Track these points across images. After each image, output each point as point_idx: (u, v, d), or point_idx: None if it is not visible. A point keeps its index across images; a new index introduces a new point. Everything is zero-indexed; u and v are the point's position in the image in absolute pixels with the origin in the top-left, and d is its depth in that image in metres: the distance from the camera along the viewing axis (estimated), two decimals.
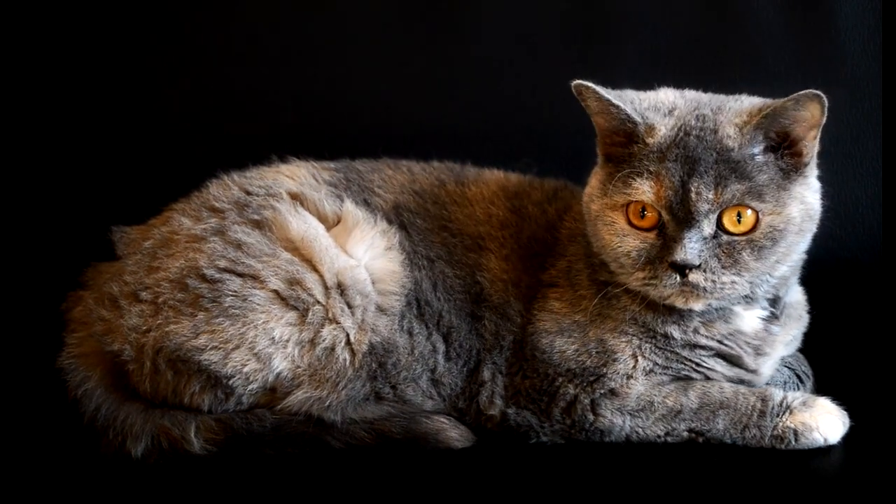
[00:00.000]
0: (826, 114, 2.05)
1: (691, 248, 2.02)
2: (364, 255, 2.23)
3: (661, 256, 2.05)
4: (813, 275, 2.35)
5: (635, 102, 2.14)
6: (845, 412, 2.14)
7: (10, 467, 2.16)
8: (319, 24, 3.10)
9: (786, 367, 2.30)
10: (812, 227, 2.12)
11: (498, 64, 3.07)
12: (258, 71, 3.12)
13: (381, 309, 2.21)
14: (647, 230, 2.08)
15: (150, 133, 3.11)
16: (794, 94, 2.01)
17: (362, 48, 3.09)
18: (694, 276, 2.03)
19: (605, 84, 2.14)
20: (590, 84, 2.08)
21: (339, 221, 2.27)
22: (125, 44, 3.11)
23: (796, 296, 2.30)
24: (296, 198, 2.28)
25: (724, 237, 2.04)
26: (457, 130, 3.03)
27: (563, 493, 2.02)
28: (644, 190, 2.06)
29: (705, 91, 2.23)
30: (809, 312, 2.34)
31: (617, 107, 2.09)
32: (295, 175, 2.35)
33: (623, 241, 2.10)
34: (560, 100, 2.24)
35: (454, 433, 2.20)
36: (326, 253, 2.18)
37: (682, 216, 2.03)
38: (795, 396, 2.14)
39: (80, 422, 2.19)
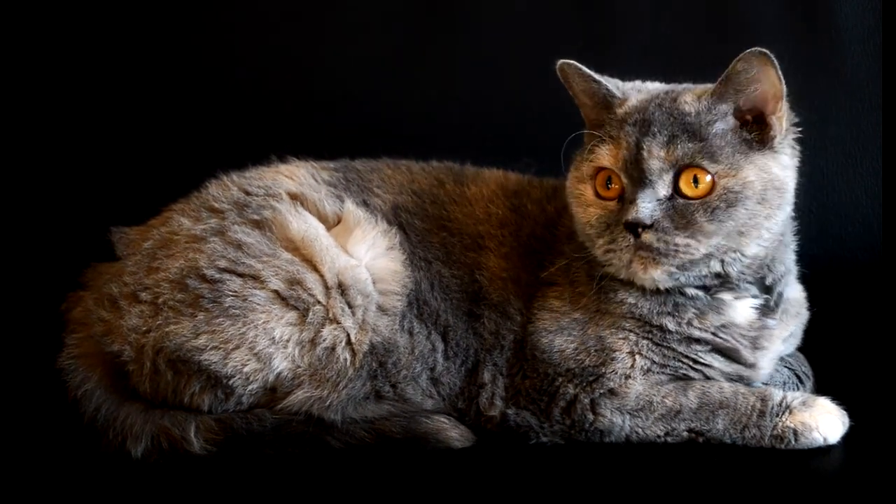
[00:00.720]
0: (782, 80, 2.08)
1: (644, 206, 2.05)
2: (365, 255, 2.23)
3: (618, 219, 2.09)
4: (813, 275, 2.35)
5: (618, 83, 2.21)
6: (845, 412, 2.13)
7: (11, 467, 2.16)
8: (319, 24, 3.11)
9: (785, 367, 2.30)
10: (781, 202, 2.11)
11: (498, 64, 3.07)
12: (258, 71, 3.13)
13: (382, 309, 2.21)
14: (611, 199, 2.12)
15: (150, 133, 3.12)
16: (745, 53, 2.05)
17: (362, 48, 3.11)
18: (646, 236, 2.05)
19: None
20: (573, 62, 2.16)
21: (339, 221, 2.27)
22: (125, 44, 3.12)
23: (795, 293, 2.30)
24: (295, 198, 2.28)
25: (680, 200, 2.06)
26: (457, 130, 3.04)
27: (563, 494, 2.01)
28: (603, 155, 2.11)
29: None
30: (809, 310, 2.34)
31: (598, 82, 2.17)
32: (294, 175, 2.35)
33: (587, 210, 2.15)
34: (560, 99, 2.25)
35: (454, 433, 2.20)
36: (327, 253, 2.18)
37: (636, 176, 2.06)
38: (795, 396, 2.14)
39: (80, 422, 2.19)
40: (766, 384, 2.24)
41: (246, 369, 2.12)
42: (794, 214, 2.24)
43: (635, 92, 2.19)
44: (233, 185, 2.32)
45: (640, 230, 2.05)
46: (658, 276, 2.10)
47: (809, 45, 2.96)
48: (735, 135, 2.08)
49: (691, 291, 2.15)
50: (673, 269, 2.09)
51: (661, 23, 3.01)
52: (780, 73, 2.07)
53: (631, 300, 2.16)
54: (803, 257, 2.31)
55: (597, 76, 2.18)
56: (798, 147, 2.18)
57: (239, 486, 2.06)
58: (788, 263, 2.24)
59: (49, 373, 2.24)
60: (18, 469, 2.15)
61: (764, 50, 2.04)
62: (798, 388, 2.27)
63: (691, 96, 2.11)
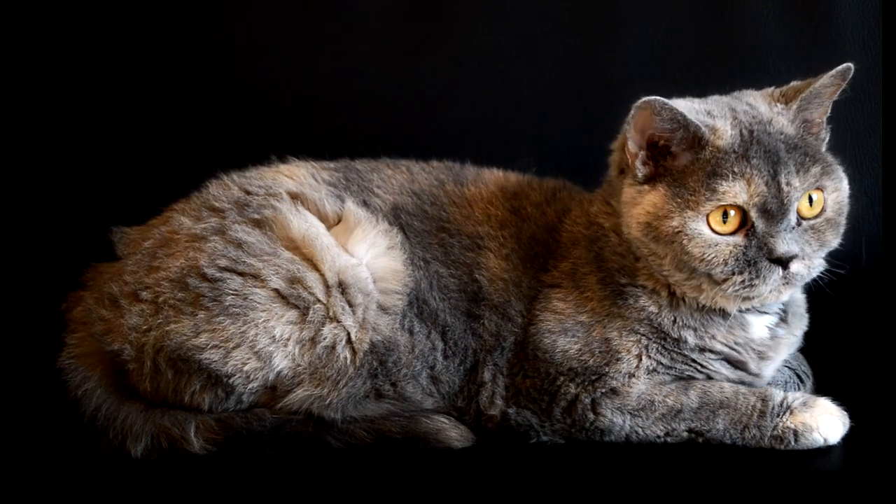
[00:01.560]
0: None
1: (790, 238, 2.04)
2: (366, 254, 2.23)
3: (761, 255, 2.04)
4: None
5: (691, 114, 2.08)
6: (845, 412, 2.13)
7: (11, 467, 2.16)
8: (319, 24, 3.10)
9: (786, 367, 2.30)
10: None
11: (498, 64, 3.07)
12: (258, 71, 3.13)
13: (382, 308, 2.21)
14: (733, 234, 2.06)
15: (150, 133, 3.12)
16: (828, 73, 2.11)
17: (362, 48, 3.10)
18: (795, 266, 2.05)
19: (605, 84, 2.15)
20: (662, 99, 2.03)
21: (339, 221, 2.27)
22: (125, 44, 3.12)
23: (797, 294, 2.29)
24: (296, 197, 2.27)
25: (804, 223, 2.07)
26: (457, 130, 3.04)
27: (563, 494, 2.01)
28: (736, 192, 2.03)
29: (705, 92, 2.23)
30: (808, 311, 2.33)
31: (683, 116, 2.04)
32: (294, 175, 2.35)
33: (716, 250, 2.06)
34: (560, 99, 2.25)
35: (454, 433, 2.20)
36: (327, 251, 2.18)
37: (774, 209, 2.03)
38: (796, 397, 2.14)
39: (80, 422, 2.19)
40: (768, 384, 2.23)
41: (246, 368, 2.12)
42: None
43: (708, 118, 2.09)
44: (233, 185, 2.31)
45: (788, 262, 2.05)
46: (785, 298, 2.15)
47: (809, 45, 2.96)
48: (816, 144, 2.13)
49: (727, 307, 2.15)
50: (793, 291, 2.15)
51: (661, 22, 3.01)
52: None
53: (653, 309, 2.16)
54: None
55: (689, 115, 2.05)
56: None
57: (239, 486, 2.06)
58: None
59: (49, 372, 2.24)
60: (18, 469, 2.15)
61: (849, 66, 2.12)
62: (799, 389, 2.28)
63: (782, 117, 2.11)
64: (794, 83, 2.17)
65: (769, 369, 2.22)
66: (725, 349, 2.17)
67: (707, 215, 2.05)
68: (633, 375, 2.16)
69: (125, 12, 3.11)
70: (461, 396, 2.24)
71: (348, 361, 2.16)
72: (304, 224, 2.20)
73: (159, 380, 2.16)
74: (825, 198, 2.08)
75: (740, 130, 2.07)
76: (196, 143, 3.09)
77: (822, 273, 2.13)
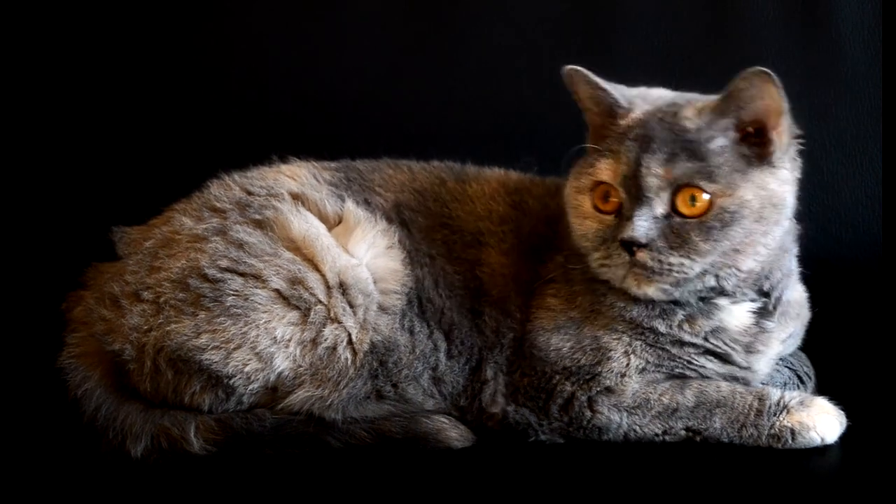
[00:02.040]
0: (784, 97, 2.05)
1: (640, 225, 2.03)
2: (365, 255, 2.23)
3: (614, 235, 2.07)
4: (813, 275, 2.35)
5: (625, 91, 2.18)
6: (842, 412, 2.14)
7: (11, 467, 2.16)
8: (319, 24, 3.10)
9: (787, 367, 2.30)
10: (779, 218, 2.09)
11: (498, 64, 3.07)
12: (259, 70, 3.13)
13: (382, 308, 2.21)
14: (609, 213, 2.10)
15: (151, 133, 3.12)
16: (746, 73, 2.04)
17: (362, 48, 3.10)
18: (641, 255, 2.04)
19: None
20: (580, 68, 2.14)
21: (340, 221, 2.27)
22: (125, 44, 3.12)
23: (796, 294, 2.29)
24: (297, 198, 2.28)
25: (677, 219, 2.04)
26: (457, 130, 3.03)
27: (562, 494, 2.01)
28: (603, 169, 2.10)
29: (705, 92, 2.22)
30: (812, 310, 2.34)
31: (604, 90, 2.14)
32: (296, 175, 2.35)
33: (584, 223, 2.13)
34: (560, 100, 2.25)
35: (454, 433, 2.20)
36: (328, 252, 2.18)
37: (634, 193, 2.05)
38: (793, 396, 2.14)
39: (79, 421, 2.19)
40: (766, 384, 2.23)
41: (247, 369, 2.12)
42: (795, 218, 2.24)
43: (640, 101, 2.16)
44: (234, 185, 2.32)
45: (635, 248, 2.04)
46: (651, 292, 2.10)
47: (809, 45, 2.95)
48: (734, 151, 2.06)
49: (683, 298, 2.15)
50: (666, 287, 2.09)
51: (661, 22, 3.01)
52: (781, 91, 2.04)
53: (620, 304, 2.16)
54: (804, 258, 2.31)
55: (604, 83, 2.15)
56: (799, 159, 2.16)
57: (239, 486, 2.06)
58: (788, 268, 2.22)
59: (49, 372, 2.23)
60: (18, 469, 2.15)
61: (766, 70, 2.02)
62: (799, 389, 2.27)
63: (693, 111, 2.09)
64: None
65: (761, 363, 2.22)
66: (699, 341, 2.16)
67: (593, 191, 2.12)
68: (625, 375, 2.16)
69: (126, 12, 3.11)
70: (464, 396, 2.24)
71: (349, 362, 2.16)
72: (304, 225, 2.20)
73: (159, 380, 2.16)
74: (715, 203, 2.03)
75: (647, 116, 2.10)
76: (197, 142, 3.09)
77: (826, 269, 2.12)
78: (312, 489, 2.06)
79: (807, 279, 2.34)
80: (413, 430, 2.20)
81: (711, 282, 2.10)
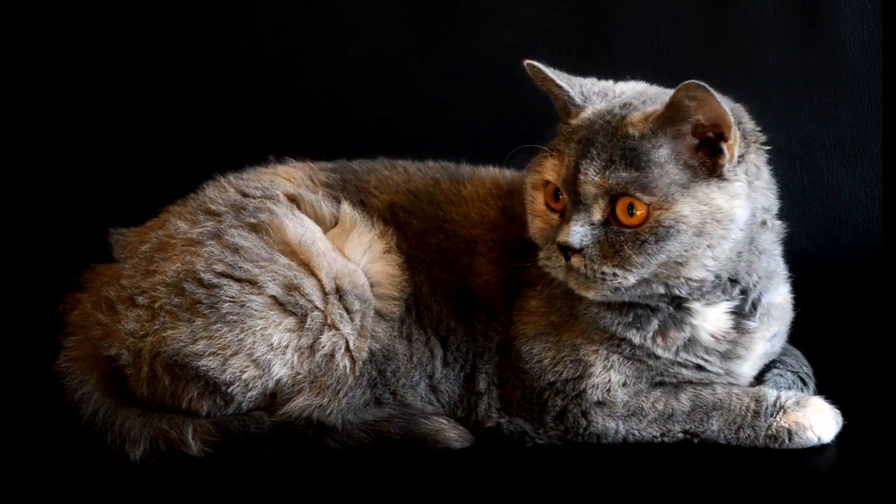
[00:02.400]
0: (727, 109, 1.97)
1: (574, 230, 2.01)
2: (362, 259, 2.22)
3: (553, 237, 2.06)
4: (813, 275, 2.35)
5: (585, 86, 2.15)
6: (838, 411, 2.14)
7: (9, 470, 2.15)
8: (318, 24, 3.10)
9: (788, 370, 2.29)
10: (725, 233, 2.02)
11: (498, 64, 3.07)
12: (255, 71, 3.13)
13: (380, 314, 2.20)
14: (557, 212, 2.09)
15: (148, 134, 3.12)
16: (686, 83, 1.96)
17: (361, 48, 3.10)
18: (575, 261, 2.03)
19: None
20: (537, 63, 2.13)
21: (336, 223, 2.27)
22: (125, 44, 3.12)
23: (779, 298, 2.25)
24: (293, 200, 2.27)
25: (614, 227, 2.01)
26: (456, 130, 3.03)
27: (562, 494, 2.01)
28: (548, 168, 2.09)
29: None
30: (799, 310, 2.31)
31: (559, 87, 2.13)
32: (292, 177, 2.35)
33: (534, 220, 2.13)
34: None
35: (453, 433, 2.20)
36: (324, 257, 2.17)
37: (573, 197, 2.03)
38: (789, 396, 2.14)
39: (77, 425, 2.18)
40: (766, 387, 2.22)
41: (245, 376, 2.11)
42: (795, 218, 2.23)
43: (598, 99, 2.12)
44: (230, 187, 2.31)
45: (570, 254, 2.03)
46: (592, 295, 2.08)
47: (809, 45, 2.95)
48: (680, 161, 2.01)
49: (653, 303, 2.12)
50: (605, 293, 2.07)
51: (661, 22, 3.00)
52: (722, 104, 1.96)
53: (594, 309, 2.15)
54: (804, 257, 2.30)
55: (560, 80, 2.13)
56: (764, 169, 2.11)
57: (237, 489, 2.06)
58: (768, 270, 2.17)
59: (47, 375, 2.23)
60: (16, 472, 2.15)
61: (700, 83, 1.94)
62: (803, 391, 2.27)
63: (640, 117, 2.04)
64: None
65: (745, 367, 2.20)
66: (670, 355, 2.14)
67: (545, 188, 2.10)
68: (610, 390, 2.15)
69: (124, 13, 3.11)
70: (461, 407, 2.24)
71: (348, 370, 2.15)
72: (300, 228, 2.19)
73: (156, 385, 2.15)
74: (651, 215, 1.99)
75: (596, 116, 2.07)
76: (193, 143, 3.09)
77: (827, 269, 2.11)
78: (312, 490, 2.06)
79: (807, 279, 2.33)
80: (412, 432, 2.19)
81: (660, 289, 2.07)
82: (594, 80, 2.20)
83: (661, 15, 3.02)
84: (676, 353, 2.14)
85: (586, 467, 2.11)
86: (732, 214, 2.02)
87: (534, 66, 2.13)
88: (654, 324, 2.13)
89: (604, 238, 2.02)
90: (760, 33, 2.97)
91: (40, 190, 3.11)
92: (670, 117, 2.00)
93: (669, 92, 2.04)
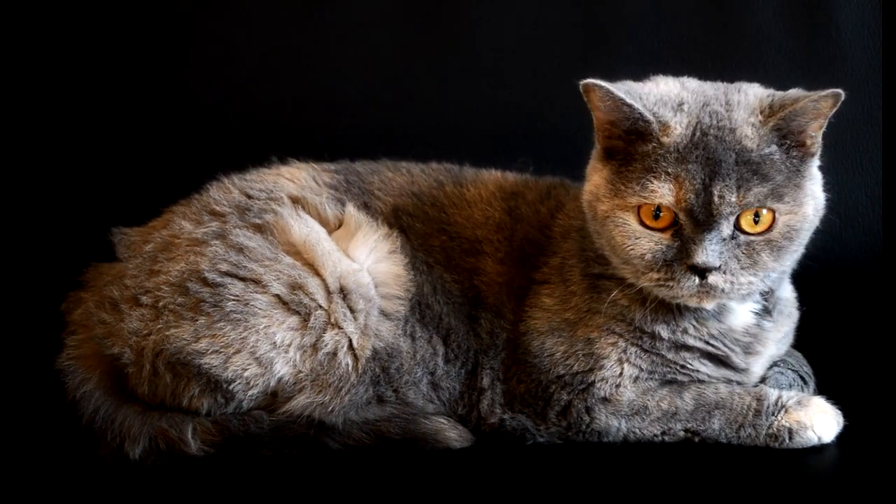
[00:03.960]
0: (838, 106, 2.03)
1: (712, 249, 1.99)
2: (367, 259, 2.23)
3: (680, 258, 2.02)
4: (813, 275, 2.35)
5: (643, 98, 2.07)
6: (839, 411, 2.14)
7: (9, 468, 2.16)
8: (319, 25, 3.10)
9: (789, 369, 2.29)
10: (817, 221, 2.11)
11: (497, 64, 3.07)
12: (257, 71, 3.13)
13: (384, 313, 2.21)
14: (662, 230, 2.04)
15: (151, 133, 3.12)
16: (815, 94, 1.99)
17: (362, 48, 3.10)
18: (713, 278, 2.01)
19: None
20: (601, 82, 2.02)
21: (340, 225, 2.27)
22: (125, 44, 3.12)
23: (787, 293, 2.28)
24: (297, 201, 2.27)
25: (742, 237, 2.01)
26: (456, 130, 3.03)
27: (561, 494, 2.02)
28: (663, 193, 2.01)
29: None
30: (801, 309, 2.32)
31: (630, 106, 2.03)
32: (295, 178, 2.35)
33: (637, 243, 2.05)
34: (560, 100, 2.25)
35: (453, 433, 2.20)
36: (328, 257, 2.18)
37: (702, 219, 1.99)
38: (790, 395, 2.14)
39: (78, 423, 2.19)
40: (766, 385, 2.22)
41: (247, 374, 2.11)
42: None
43: (666, 110, 2.06)
44: (234, 188, 2.31)
45: (706, 273, 2.01)
46: (711, 305, 2.10)
47: (809, 45, 2.95)
48: (787, 162, 2.03)
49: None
50: (729, 301, 2.10)
51: (660, 22, 3.01)
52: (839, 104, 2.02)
53: (624, 302, 2.15)
54: (804, 257, 2.30)
55: (627, 98, 2.02)
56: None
57: (236, 488, 2.06)
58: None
59: (48, 373, 2.23)
60: (17, 470, 2.15)
61: (838, 91, 1.99)
62: (803, 390, 2.27)
63: (751, 129, 2.02)
64: (791, 92, 2.09)
65: (757, 365, 2.22)
66: (700, 343, 2.15)
67: (638, 207, 2.04)
68: (619, 385, 2.16)
69: (125, 13, 3.11)
70: (461, 403, 2.25)
71: (350, 368, 2.15)
72: (304, 229, 2.20)
73: (157, 383, 2.16)
74: (777, 218, 2.01)
75: (693, 130, 2.03)
76: (196, 143, 3.09)
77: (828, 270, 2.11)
78: (311, 490, 2.06)
79: (807, 279, 2.33)
80: (412, 431, 2.20)
81: (764, 288, 2.11)
82: (629, 83, 2.14)
83: (661, 15, 3.02)
84: (706, 341, 2.15)
85: (586, 467, 2.11)
86: (823, 201, 2.11)
87: (599, 86, 2.03)
88: (691, 320, 2.15)
89: (738, 251, 2.02)
90: (760, 33, 2.97)
91: (43, 189, 3.11)
92: (785, 126, 2.01)
93: (720, 88, 2.10)
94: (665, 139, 2.03)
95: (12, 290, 2.97)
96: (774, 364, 2.28)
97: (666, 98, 2.09)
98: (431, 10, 3.08)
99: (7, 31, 3.08)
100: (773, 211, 2.00)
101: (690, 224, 2.00)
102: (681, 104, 2.08)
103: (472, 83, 3.07)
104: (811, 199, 2.06)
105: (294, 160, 2.45)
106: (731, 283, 2.01)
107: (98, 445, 2.17)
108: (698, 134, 2.02)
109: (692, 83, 2.16)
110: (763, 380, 2.24)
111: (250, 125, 3.09)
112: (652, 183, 2.02)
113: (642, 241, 2.05)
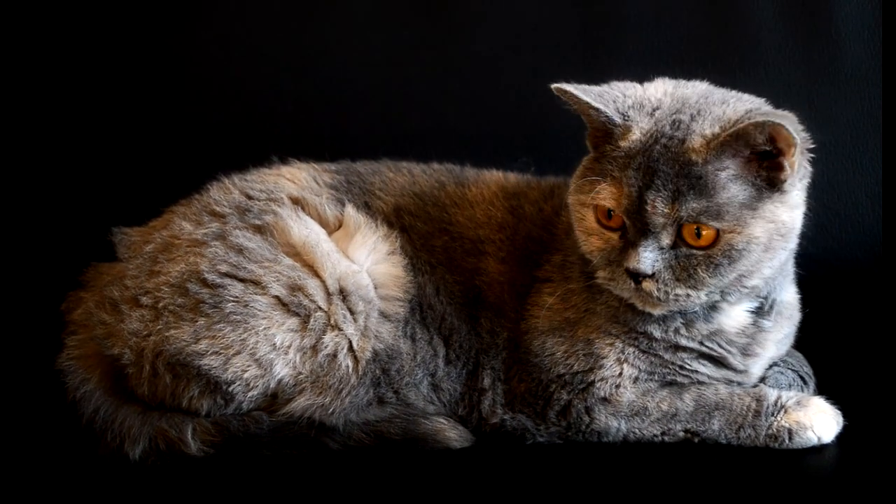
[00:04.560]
0: (798, 135, 1.97)
1: (645, 257, 2.00)
2: (366, 260, 2.23)
3: (619, 261, 2.05)
4: (813, 275, 2.35)
5: (619, 100, 2.09)
6: (839, 411, 2.14)
7: (9, 468, 2.16)
8: (319, 25, 3.10)
9: (789, 369, 2.29)
10: (786, 245, 2.06)
11: (498, 64, 3.07)
12: (258, 70, 3.13)
13: (384, 315, 2.21)
14: (614, 230, 2.07)
15: (151, 133, 3.12)
16: (758, 119, 1.95)
17: (362, 48, 3.10)
18: (647, 285, 2.02)
19: (605, 84, 2.14)
20: (567, 87, 2.06)
21: (340, 225, 2.27)
22: (125, 44, 3.12)
23: (789, 296, 2.27)
24: (297, 202, 2.27)
25: (684, 249, 2.01)
26: (456, 130, 3.03)
27: (561, 494, 2.02)
28: (605, 196, 2.04)
29: None
30: (802, 311, 2.32)
31: (597, 109, 2.06)
32: (296, 178, 2.35)
33: (589, 239, 2.10)
34: (560, 100, 2.24)
35: (453, 433, 2.20)
36: (328, 258, 2.18)
37: (639, 226, 2.01)
38: (790, 396, 2.14)
39: (78, 423, 2.19)
40: (766, 385, 2.22)
41: (246, 375, 2.11)
42: None
43: (637, 114, 2.07)
44: (234, 189, 2.31)
45: (640, 278, 2.02)
46: (657, 311, 2.09)
47: (809, 45, 2.95)
48: (745, 181, 2.00)
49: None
50: (672, 310, 2.09)
51: (660, 22, 3.01)
52: (792, 132, 1.95)
53: (615, 303, 2.15)
54: (803, 257, 2.30)
55: (595, 102, 2.06)
56: (810, 168, 2.10)
57: (236, 488, 2.06)
58: (784, 269, 2.19)
59: (48, 373, 2.23)
60: (16, 470, 2.15)
61: (780, 123, 1.93)
62: (803, 390, 2.27)
63: (701, 143, 1.99)
64: (755, 112, 2.04)
65: (756, 367, 2.21)
66: (694, 345, 2.15)
67: (595, 205, 2.07)
68: (619, 385, 2.16)
69: (125, 12, 3.11)
70: (462, 404, 2.25)
71: (350, 370, 2.15)
72: (304, 230, 2.20)
73: (157, 384, 2.16)
74: (721, 236, 1.98)
75: (649, 137, 2.03)
76: (197, 143, 3.09)
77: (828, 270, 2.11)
78: (311, 490, 2.06)
79: (807, 279, 2.33)
80: (412, 432, 2.20)
81: (716, 298, 2.09)
82: (616, 84, 2.15)
83: (660, 14, 3.02)
84: (701, 342, 2.15)
85: (586, 467, 2.11)
86: (794, 225, 2.06)
87: (565, 91, 2.07)
88: (679, 320, 2.14)
89: (675, 262, 2.02)
90: (760, 33, 2.97)
91: (43, 188, 3.11)
92: (734, 144, 1.98)
93: (712, 98, 2.08)
94: (622, 143, 2.05)
95: (12, 290, 2.97)
96: (774, 364, 2.28)
97: (644, 102, 2.10)
98: (431, 10, 3.08)
99: (7, 31, 3.09)
100: (716, 229, 1.99)
101: (633, 229, 2.02)
102: (655, 109, 2.08)
103: (473, 83, 3.07)
104: (764, 223, 2.00)
105: (295, 160, 2.45)
106: (665, 292, 2.03)
107: (98, 445, 2.17)
108: (651, 141, 2.02)
109: (684, 88, 2.15)
110: (763, 380, 2.24)
111: (251, 125, 3.09)
112: (601, 184, 2.05)
113: (593, 239, 2.09)
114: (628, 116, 2.06)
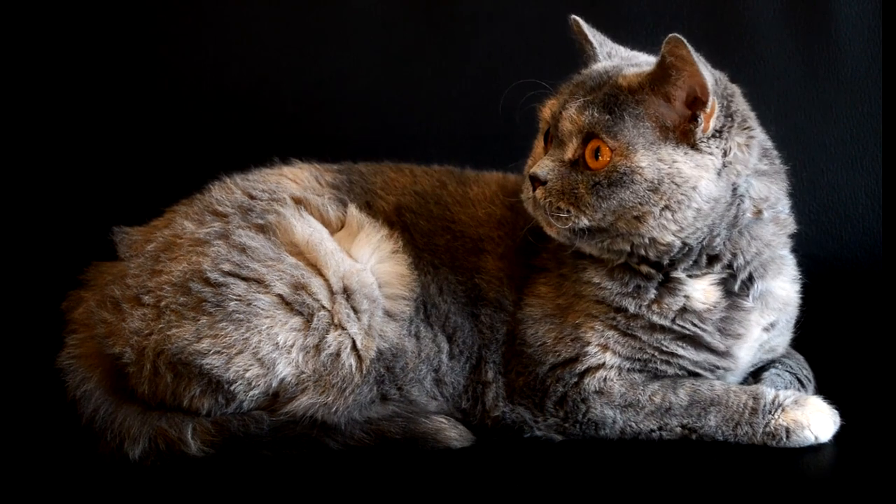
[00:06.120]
0: (702, 72, 1.99)
1: (545, 164, 2.11)
2: (370, 259, 2.23)
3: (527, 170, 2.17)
4: (813, 275, 2.35)
5: (614, 50, 2.31)
6: (836, 411, 2.14)
7: (9, 467, 2.16)
8: (320, 25, 3.11)
9: (787, 371, 2.30)
10: (683, 199, 2.05)
11: (498, 65, 3.08)
12: (259, 71, 3.13)
13: (389, 314, 2.21)
14: (545, 145, 2.20)
15: (151, 133, 3.12)
16: (675, 49, 2.01)
17: (363, 49, 3.11)
18: (537, 192, 2.11)
19: None
20: (580, 20, 2.30)
21: (342, 225, 2.28)
22: (126, 44, 3.12)
23: (779, 289, 2.24)
24: (299, 202, 2.28)
25: (580, 170, 2.08)
26: (456, 132, 3.04)
27: (561, 493, 2.02)
28: (548, 105, 2.21)
29: None
30: (801, 309, 2.31)
31: (591, 44, 2.28)
32: (298, 178, 2.35)
33: (528, 161, 2.24)
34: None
35: (453, 433, 2.20)
36: (331, 257, 2.18)
37: (555, 134, 2.13)
38: (787, 395, 2.14)
39: (78, 423, 2.19)
40: (764, 385, 2.23)
41: (248, 374, 2.11)
42: (794, 218, 2.24)
43: (618, 59, 2.26)
44: (236, 189, 2.31)
45: (536, 184, 2.11)
46: (555, 233, 2.14)
47: (809, 45, 2.96)
48: (656, 121, 2.05)
49: (644, 269, 2.15)
50: (566, 233, 2.11)
51: (660, 22, 3.01)
52: (701, 67, 2.00)
53: (596, 280, 2.18)
54: (803, 257, 2.31)
55: (594, 39, 2.28)
56: (749, 154, 2.11)
57: (236, 488, 2.06)
58: (762, 257, 2.18)
59: (48, 372, 2.23)
60: (16, 469, 2.16)
61: (681, 38, 1.98)
62: (800, 392, 2.26)
63: (634, 71, 2.12)
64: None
65: (742, 350, 2.21)
66: (666, 323, 2.16)
67: (544, 132, 2.21)
68: (606, 378, 2.17)
69: (127, 13, 3.12)
70: (465, 397, 2.25)
71: (354, 369, 2.15)
72: (307, 229, 2.20)
73: (157, 382, 2.16)
74: (611, 160, 2.05)
75: (601, 69, 2.19)
76: (198, 143, 3.10)
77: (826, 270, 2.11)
78: (311, 490, 2.06)
79: (807, 279, 2.33)
80: (412, 431, 2.20)
81: (625, 246, 2.12)
82: (631, 51, 2.32)
83: (660, 14, 3.02)
84: (673, 320, 2.16)
85: (586, 467, 2.12)
86: (695, 184, 2.06)
87: (577, 22, 2.29)
88: (651, 293, 2.16)
89: (567, 178, 2.09)
90: (760, 33, 2.98)
91: (44, 188, 3.12)
92: (659, 75, 2.04)
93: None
94: (584, 70, 2.26)
95: (12, 290, 2.97)
96: (772, 366, 2.29)
97: (627, 51, 2.33)
98: (432, 11, 3.09)
99: (7, 31, 3.09)
100: (611, 151, 2.05)
101: (552, 141, 2.16)
102: (632, 56, 2.29)
103: (473, 84, 3.07)
104: (656, 160, 2.04)
105: (296, 160, 2.45)
106: (550, 202, 2.10)
107: (98, 445, 2.16)
108: (599, 69, 2.19)
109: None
110: (759, 381, 2.25)
111: (253, 125, 3.10)
112: (549, 100, 2.21)
113: (528, 160, 2.25)
114: (609, 56, 2.28)
